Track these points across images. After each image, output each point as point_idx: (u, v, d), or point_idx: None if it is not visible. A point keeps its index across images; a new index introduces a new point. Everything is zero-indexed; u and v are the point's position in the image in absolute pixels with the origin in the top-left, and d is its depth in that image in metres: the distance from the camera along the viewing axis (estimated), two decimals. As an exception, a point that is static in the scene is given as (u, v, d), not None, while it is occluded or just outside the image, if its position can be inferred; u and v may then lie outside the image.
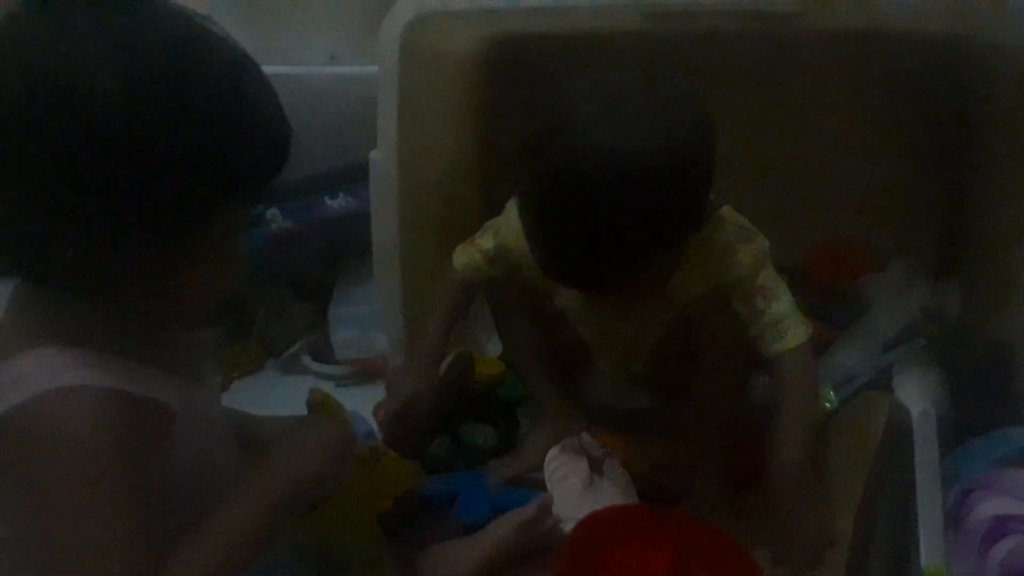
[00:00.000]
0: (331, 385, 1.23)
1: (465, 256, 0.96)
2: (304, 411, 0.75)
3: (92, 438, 0.54)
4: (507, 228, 0.91)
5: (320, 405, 0.73)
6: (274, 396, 1.18)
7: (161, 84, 0.52)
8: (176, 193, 0.53)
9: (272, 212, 1.23)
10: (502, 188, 1.23)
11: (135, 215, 0.53)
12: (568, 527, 0.84)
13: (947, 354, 1.02)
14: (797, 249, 1.21)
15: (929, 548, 0.73)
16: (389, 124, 1.00)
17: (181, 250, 0.56)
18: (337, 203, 1.25)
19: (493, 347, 1.10)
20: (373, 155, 1.02)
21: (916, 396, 0.92)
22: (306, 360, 1.29)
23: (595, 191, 0.70)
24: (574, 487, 0.89)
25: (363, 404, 0.98)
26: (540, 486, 0.91)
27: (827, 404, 0.99)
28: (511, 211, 0.88)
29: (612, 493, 0.89)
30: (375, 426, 0.95)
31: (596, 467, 0.92)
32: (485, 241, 0.95)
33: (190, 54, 0.54)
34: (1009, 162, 1.05)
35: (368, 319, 1.20)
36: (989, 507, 0.74)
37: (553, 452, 0.94)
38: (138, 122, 0.51)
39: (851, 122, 1.25)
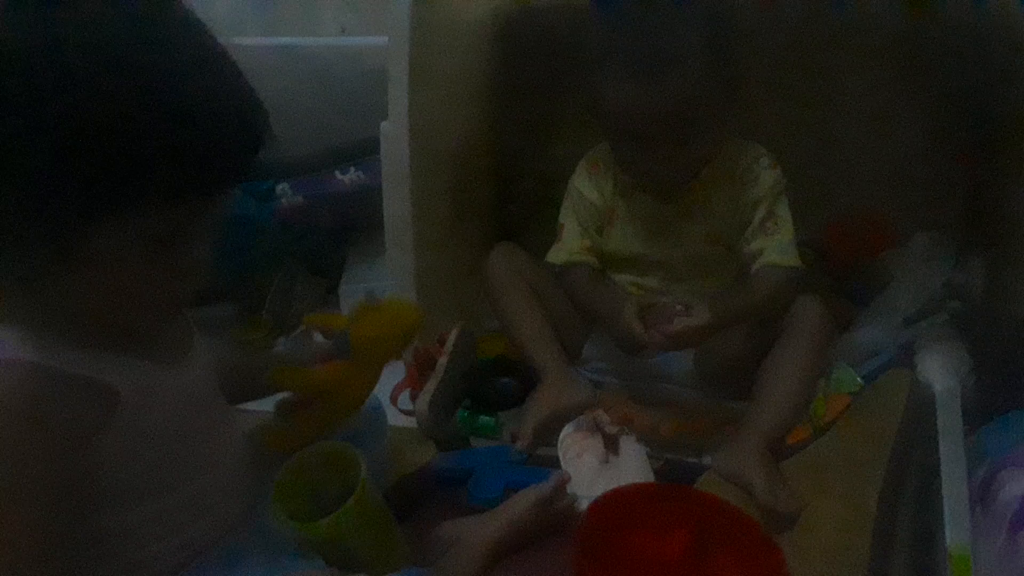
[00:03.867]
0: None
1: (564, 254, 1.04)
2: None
3: (11, 414, 0.52)
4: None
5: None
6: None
7: (80, 70, 0.49)
8: (70, 189, 0.50)
9: (282, 187, 1.22)
10: (516, 159, 1.22)
11: (34, 203, 0.50)
12: (583, 505, 0.82)
13: (971, 330, 1.00)
14: (820, 225, 1.19)
15: (954, 527, 0.71)
16: (400, 95, 0.99)
17: (97, 245, 0.53)
18: (348, 177, 1.23)
19: (492, 322, 1.10)
20: (384, 126, 1.00)
21: (939, 373, 0.90)
22: (317, 337, 1.28)
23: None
24: (589, 465, 0.88)
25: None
26: (555, 464, 0.90)
27: (851, 388, 0.97)
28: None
29: (627, 470, 0.88)
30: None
31: (611, 444, 0.90)
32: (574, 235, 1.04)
33: (123, 47, 0.50)
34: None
35: (381, 294, 1.19)
36: (1019, 486, 0.72)
37: (567, 429, 0.93)
38: (47, 109, 0.48)
39: (877, 97, 1.22)
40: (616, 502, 0.79)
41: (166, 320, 0.64)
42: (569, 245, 1.04)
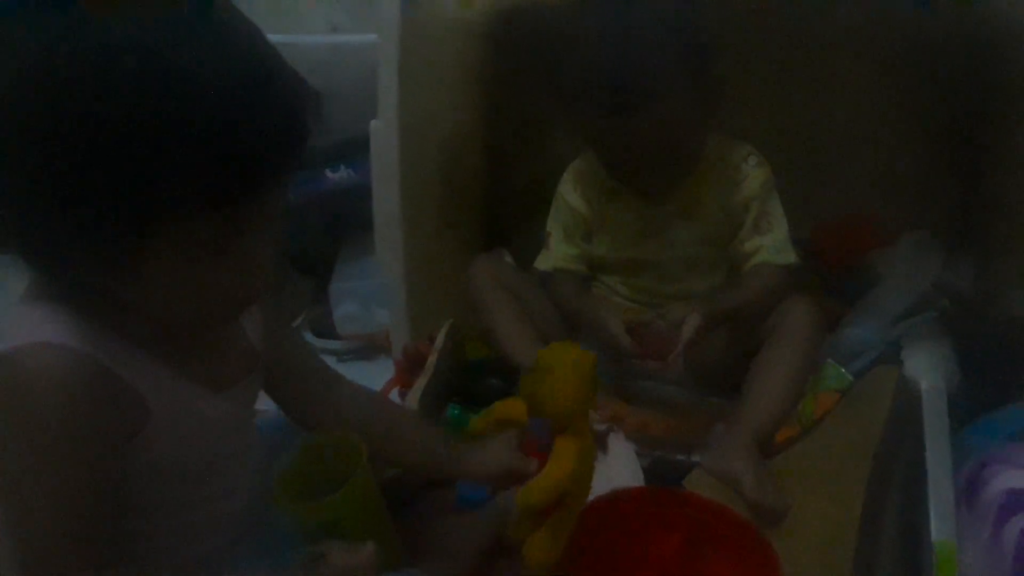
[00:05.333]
0: (333, 360, 1.22)
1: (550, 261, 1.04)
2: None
3: (57, 396, 0.52)
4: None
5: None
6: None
7: (122, 77, 0.47)
8: (107, 203, 0.49)
9: (272, 185, 1.21)
10: (507, 157, 1.22)
11: (72, 215, 0.49)
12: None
13: (960, 328, 1.01)
14: (808, 224, 1.19)
15: (940, 522, 0.71)
16: (390, 93, 0.98)
17: (151, 253, 0.51)
18: (338, 176, 1.23)
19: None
20: (374, 124, 1.00)
21: (926, 369, 0.90)
22: (308, 335, 1.28)
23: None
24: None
25: (364, 379, 0.96)
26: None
27: (840, 385, 0.97)
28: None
29: (616, 468, 0.87)
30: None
31: (600, 442, 0.90)
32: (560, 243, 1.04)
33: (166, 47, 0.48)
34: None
35: (370, 294, 1.19)
36: (1003, 481, 0.72)
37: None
38: (86, 116, 0.47)
39: (866, 95, 1.23)
40: (607, 505, 0.79)
41: (232, 322, 0.63)
42: (555, 252, 1.05)
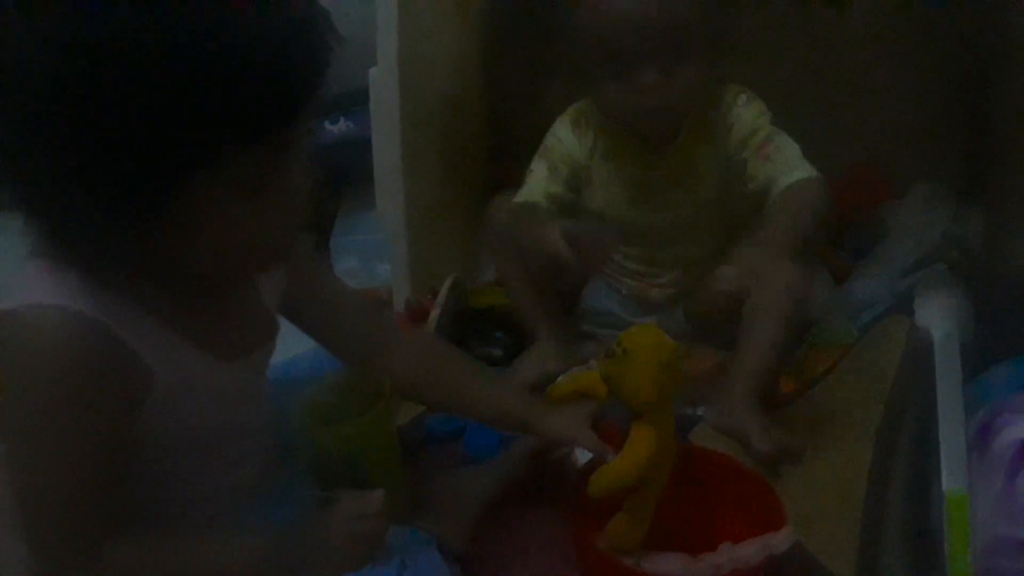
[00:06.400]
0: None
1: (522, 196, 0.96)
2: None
3: (57, 360, 0.51)
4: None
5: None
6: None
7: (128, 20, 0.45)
8: (145, 148, 0.47)
9: (270, 138, 1.19)
10: (509, 105, 1.20)
11: (103, 166, 0.47)
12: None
13: (970, 279, 1.00)
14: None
15: (951, 472, 0.71)
16: (389, 40, 0.96)
17: (177, 201, 0.49)
18: (337, 128, 1.21)
19: (485, 274, 1.08)
20: (373, 72, 0.97)
21: (938, 320, 0.89)
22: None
23: None
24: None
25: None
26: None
27: (846, 339, 0.96)
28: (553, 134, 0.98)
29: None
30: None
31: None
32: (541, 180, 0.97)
33: None
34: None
35: (371, 248, 1.18)
36: (1015, 431, 0.71)
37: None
38: (99, 69, 0.45)
39: (876, 46, 1.20)
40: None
41: (268, 269, 0.61)
42: (533, 187, 0.97)
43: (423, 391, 0.76)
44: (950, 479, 0.69)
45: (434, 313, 1.01)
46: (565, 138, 0.99)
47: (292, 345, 0.82)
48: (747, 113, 0.94)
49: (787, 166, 0.90)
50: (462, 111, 1.12)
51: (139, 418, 0.55)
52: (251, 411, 0.65)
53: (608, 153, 0.98)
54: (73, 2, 0.45)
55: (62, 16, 0.45)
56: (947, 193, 1.20)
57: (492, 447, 0.85)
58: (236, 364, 0.61)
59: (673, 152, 0.96)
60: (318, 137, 1.21)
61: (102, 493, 0.54)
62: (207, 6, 0.46)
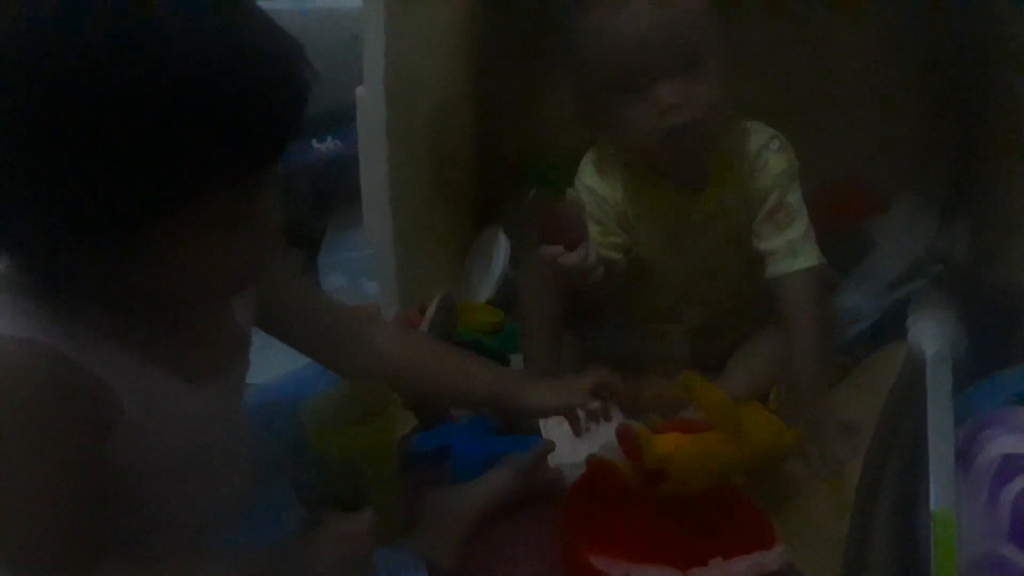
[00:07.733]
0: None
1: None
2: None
3: (20, 393, 0.51)
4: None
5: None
6: (265, 347, 1.15)
7: (108, 56, 0.45)
8: (123, 189, 0.47)
9: (258, 156, 1.19)
10: (498, 123, 1.20)
11: (81, 205, 0.47)
12: (565, 472, 0.82)
13: (955, 293, 1.00)
14: (803, 191, 1.18)
15: (939, 490, 0.71)
16: (376, 58, 0.96)
17: (145, 234, 0.49)
18: (325, 146, 1.21)
19: (484, 292, 1.08)
20: (359, 91, 0.97)
21: (931, 337, 0.89)
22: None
23: None
24: (568, 432, 0.87)
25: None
26: (536, 431, 0.89)
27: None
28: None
29: (608, 436, 0.87)
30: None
31: (605, 414, 0.89)
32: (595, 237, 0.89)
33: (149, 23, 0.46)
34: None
35: (359, 265, 1.18)
36: (999, 446, 0.71)
37: None
38: (74, 101, 0.45)
39: (861, 60, 1.21)
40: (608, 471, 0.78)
41: (242, 290, 0.62)
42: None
43: (403, 375, 0.77)
44: (938, 497, 0.70)
45: (423, 327, 1.01)
46: (596, 185, 0.93)
47: (279, 365, 0.82)
48: (775, 164, 0.90)
49: (791, 249, 0.89)
50: (450, 129, 1.12)
51: (109, 446, 0.55)
52: (227, 432, 0.64)
53: (636, 195, 0.93)
54: (58, 46, 0.45)
55: (47, 54, 0.45)
56: (932, 207, 1.21)
57: (480, 464, 0.84)
58: (208, 386, 0.61)
59: (705, 196, 0.92)
60: (305, 155, 1.21)
61: (80, 523, 0.53)
62: (190, 51, 0.46)
